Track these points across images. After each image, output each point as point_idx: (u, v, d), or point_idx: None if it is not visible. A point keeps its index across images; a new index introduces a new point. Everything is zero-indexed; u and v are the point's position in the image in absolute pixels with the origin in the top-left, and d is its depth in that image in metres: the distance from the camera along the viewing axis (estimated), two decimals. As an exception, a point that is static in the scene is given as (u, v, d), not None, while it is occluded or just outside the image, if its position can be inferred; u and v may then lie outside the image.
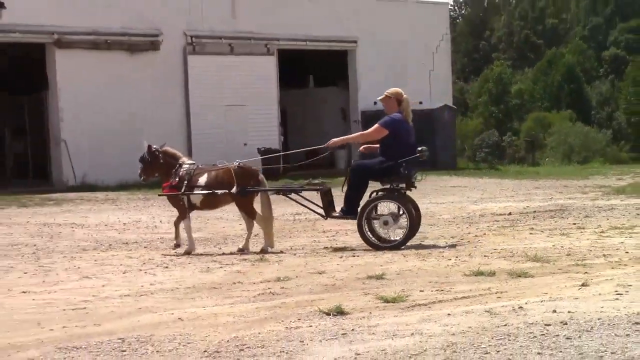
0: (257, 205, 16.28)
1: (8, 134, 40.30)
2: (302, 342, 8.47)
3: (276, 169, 37.85)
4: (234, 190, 15.92)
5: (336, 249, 15.79)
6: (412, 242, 15.90)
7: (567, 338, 8.12)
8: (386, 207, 15.86)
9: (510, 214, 21.12)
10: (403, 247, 15.42)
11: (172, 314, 10.27)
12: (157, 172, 16.68)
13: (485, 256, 14.07)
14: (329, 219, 16.60)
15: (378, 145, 16.14)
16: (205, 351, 8.28)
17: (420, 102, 42.49)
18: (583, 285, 10.91)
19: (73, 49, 35.57)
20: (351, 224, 16.64)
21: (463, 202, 25.49)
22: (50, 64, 35.52)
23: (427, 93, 44.02)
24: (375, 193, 16.12)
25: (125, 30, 36.65)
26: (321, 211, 16.38)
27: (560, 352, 7.64)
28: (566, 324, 8.69)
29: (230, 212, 21.34)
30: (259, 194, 16.33)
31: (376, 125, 16.20)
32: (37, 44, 35.56)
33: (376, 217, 15.84)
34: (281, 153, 17.96)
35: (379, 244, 15.60)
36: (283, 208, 24.88)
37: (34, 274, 13.97)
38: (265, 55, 40.33)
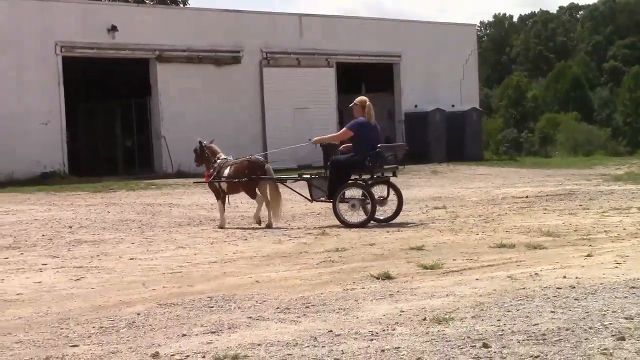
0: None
1: (119, 131, 40.59)
2: (357, 301, 8.43)
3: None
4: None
5: (384, 225, 15.71)
6: (401, 219, 15.86)
7: (575, 299, 8.01)
8: (356, 193, 15.93)
9: (527, 197, 20.94)
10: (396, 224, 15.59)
11: (251, 277, 10.27)
12: (203, 163, 17.40)
13: (506, 231, 13.95)
14: (314, 202, 16.80)
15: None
16: (277, 308, 8.26)
17: (453, 105, 42.36)
18: (588, 255, 10.78)
19: (171, 62, 35.76)
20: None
21: (488, 187, 25.32)
22: (153, 74, 35.73)
23: (458, 98, 43.80)
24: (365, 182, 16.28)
25: (213, 47, 36.75)
26: (308, 196, 16.69)
27: (570, 310, 7.53)
28: (574, 287, 8.58)
29: (296, 195, 21.35)
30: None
31: (344, 128, 16.55)
32: (142, 58, 35.77)
33: (346, 200, 15.90)
34: (269, 151, 18.36)
35: (348, 222, 15.65)
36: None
37: (139, 244, 14.05)
38: (326, 67, 40.27)
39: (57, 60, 33.08)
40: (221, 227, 16.17)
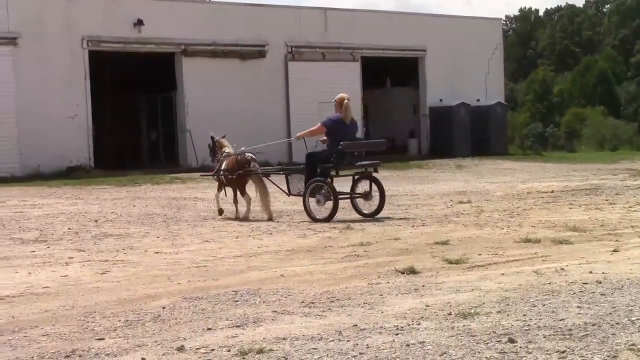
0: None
1: (144, 126, 40.73)
2: (382, 295, 8.42)
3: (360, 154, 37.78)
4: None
5: (408, 220, 15.69)
6: (425, 213, 15.78)
7: (602, 294, 7.97)
8: (322, 189, 16.05)
9: (552, 191, 20.85)
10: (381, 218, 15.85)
11: (276, 271, 10.27)
12: (215, 156, 18.06)
13: (532, 226, 13.90)
14: (291, 196, 17.05)
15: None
16: (302, 302, 8.26)
17: (478, 100, 42.22)
18: (614, 251, 10.73)
19: (196, 56, 35.83)
20: (422, 200, 16.52)
21: (513, 182, 25.23)
22: (178, 69, 35.82)
23: (483, 92, 43.66)
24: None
25: (238, 41, 36.79)
26: (286, 190, 16.98)
27: (596, 306, 7.50)
28: (601, 282, 8.54)
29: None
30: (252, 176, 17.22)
31: (319, 124, 16.77)
32: (167, 52, 35.86)
33: (314, 196, 16.09)
34: (265, 144, 18.81)
35: (315, 217, 15.90)
36: (365, 185, 24.83)
37: (165, 238, 14.10)
38: (351, 61, 40.21)
39: (83, 54, 33.23)
40: (219, 213, 17.12)
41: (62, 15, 32.78)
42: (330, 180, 16.14)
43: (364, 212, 16.34)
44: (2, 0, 31.67)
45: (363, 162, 16.65)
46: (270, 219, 16.41)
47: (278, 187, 17.38)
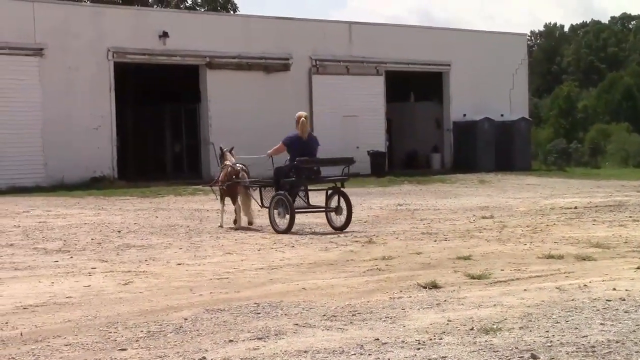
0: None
1: (168, 137, 40.88)
2: (404, 309, 8.41)
3: (382, 168, 37.83)
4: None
5: (431, 234, 15.66)
6: (447, 228, 15.72)
7: (625, 311, 7.92)
8: (283, 203, 16.63)
9: (576, 207, 20.75)
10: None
11: (297, 284, 10.27)
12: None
13: (555, 242, 13.84)
14: (262, 207, 17.61)
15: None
16: (324, 315, 8.26)
17: (502, 115, 42.13)
18: (638, 268, 10.65)
19: (221, 69, 35.94)
20: (445, 215, 16.47)
21: (536, 197, 25.13)
22: (203, 81, 35.95)
23: (507, 107, 43.56)
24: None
25: (263, 54, 36.89)
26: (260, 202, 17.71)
27: (620, 323, 7.46)
28: (624, 300, 8.49)
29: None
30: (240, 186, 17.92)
31: (280, 142, 17.52)
32: (192, 65, 36.01)
33: (276, 208, 16.70)
34: (249, 157, 19.41)
35: (276, 229, 16.58)
36: (388, 199, 24.86)
37: (187, 250, 14.13)
38: (375, 75, 40.23)
39: (108, 66, 33.41)
40: (221, 226, 17.59)
41: (88, 26, 32.97)
42: (294, 193, 16.85)
43: (336, 225, 16.83)
44: (29, 11, 31.93)
45: (331, 177, 17.45)
46: (250, 222, 17.58)
47: (255, 199, 17.91)
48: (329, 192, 17.10)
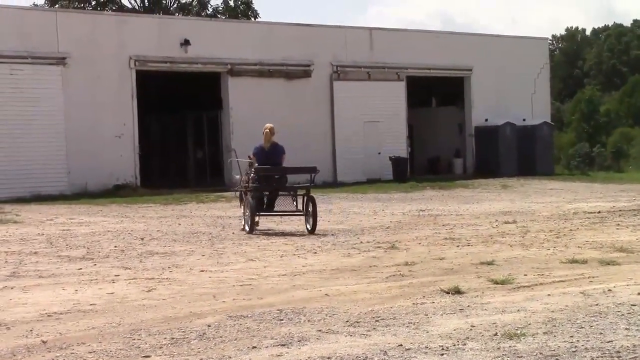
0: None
1: (190, 144, 41.00)
2: (427, 315, 8.38)
3: (404, 173, 37.79)
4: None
5: (454, 239, 15.61)
6: (470, 233, 15.67)
7: (650, 316, 7.87)
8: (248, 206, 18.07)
9: (599, 212, 20.64)
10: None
11: (320, 290, 10.26)
12: None
13: (578, 247, 13.77)
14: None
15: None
16: (347, 321, 8.24)
17: (524, 120, 42.01)
18: (663, 272, 10.59)
19: (242, 76, 36.03)
20: (467, 220, 16.41)
21: (559, 202, 25.02)
22: (224, 88, 36.04)
23: (529, 112, 43.48)
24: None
25: (284, 61, 36.96)
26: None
27: (645, 328, 7.40)
28: (649, 304, 8.43)
29: (366, 208, 21.36)
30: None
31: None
32: (214, 72, 36.11)
33: (245, 211, 18.25)
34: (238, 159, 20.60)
35: (244, 228, 17.97)
36: (410, 205, 24.81)
37: (210, 257, 14.15)
38: (396, 81, 40.21)
39: (131, 74, 33.56)
40: (243, 229, 18.15)
41: (111, 35, 33.12)
42: (257, 198, 18.16)
43: (308, 227, 17.81)
44: (52, 21, 32.13)
45: (299, 185, 19.01)
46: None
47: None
48: (305, 198, 18.12)
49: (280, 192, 18.74)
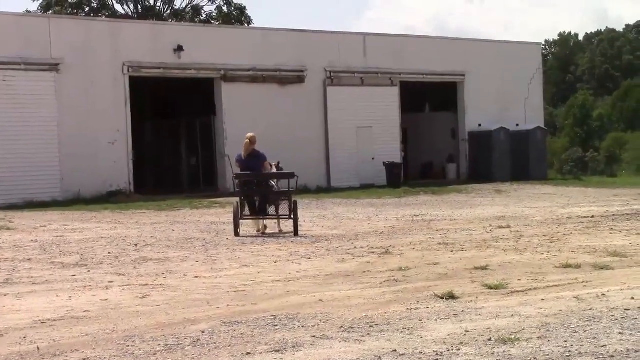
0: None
1: (184, 150, 40.96)
2: (421, 320, 8.38)
3: (398, 178, 37.80)
4: None
5: (448, 245, 15.62)
6: (464, 238, 15.69)
7: (644, 321, 7.88)
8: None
9: (592, 216, 20.68)
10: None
11: (314, 296, 10.26)
12: None
13: (572, 252, 13.79)
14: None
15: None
16: (341, 327, 8.24)
17: (517, 125, 42.06)
18: (656, 276, 10.61)
19: (236, 82, 36.01)
20: (461, 225, 16.41)
21: (553, 207, 25.05)
22: (218, 94, 36.00)
23: (522, 117, 43.53)
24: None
25: (277, 67, 36.95)
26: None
27: (639, 332, 7.41)
28: (643, 309, 8.45)
29: (360, 214, 21.36)
30: None
31: None
32: (207, 78, 36.09)
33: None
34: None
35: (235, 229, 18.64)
36: (404, 210, 24.81)
37: (204, 263, 14.14)
38: (389, 86, 40.23)
39: (124, 80, 33.52)
40: (259, 230, 19.11)
41: (104, 41, 33.10)
42: (243, 202, 19.09)
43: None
44: (45, 27, 32.10)
45: (280, 190, 19.74)
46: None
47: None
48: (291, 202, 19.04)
49: (273, 198, 19.48)
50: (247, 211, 19.15)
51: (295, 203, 18.78)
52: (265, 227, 19.06)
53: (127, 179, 33.35)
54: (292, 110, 36.95)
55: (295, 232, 18.36)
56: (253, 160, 19.57)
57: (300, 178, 20.04)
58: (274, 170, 19.90)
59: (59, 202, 29.96)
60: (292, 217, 18.60)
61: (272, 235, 18.68)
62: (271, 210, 19.55)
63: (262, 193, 19.39)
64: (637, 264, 12.05)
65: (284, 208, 19.51)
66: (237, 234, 18.33)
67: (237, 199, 19.15)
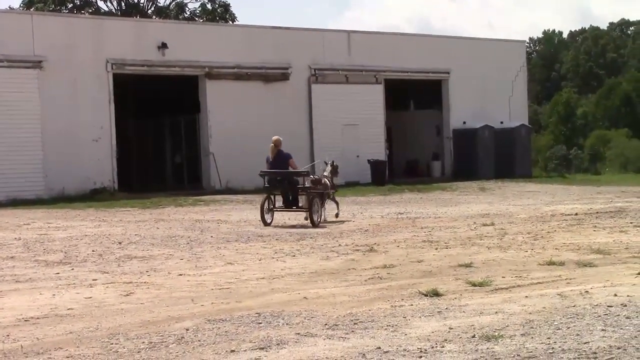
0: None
1: (168, 148, 40.90)
2: (405, 317, 8.41)
3: (383, 176, 37.86)
4: None
5: (432, 242, 15.66)
6: (449, 236, 15.71)
7: (627, 317, 7.93)
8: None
9: (576, 214, 20.75)
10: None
11: (299, 293, 10.28)
12: None
13: (556, 249, 13.84)
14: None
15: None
16: (326, 324, 8.26)
17: (502, 122, 42.15)
18: (639, 273, 10.65)
19: (220, 79, 35.98)
20: (445, 222, 16.43)
21: (537, 204, 25.13)
22: (202, 91, 35.98)
23: (506, 115, 43.62)
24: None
25: (262, 64, 36.93)
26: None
27: (621, 329, 7.46)
28: (625, 305, 8.49)
29: (344, 211, 21.40)
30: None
31: None
32: (191, 75, 36.04)
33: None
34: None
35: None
36: (389, 208, 24.84)
37: (188, 260, 14.13)
38: (374, 84, 40.28)
39: (108, 77, 33.45)
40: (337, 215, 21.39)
41: (87, 38, 33.02)
42: (268, 196, 20.83)
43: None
44: (27, 24, 31.99)
45: (301, 187, 21.32)
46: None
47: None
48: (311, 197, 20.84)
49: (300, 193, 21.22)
50: (267, 205, 20.62)
51: (313, 198, 20.51)
52: (308, 218, 20.54)
53: (111, 176, 33.28)
54: (277, 108, 36.95)
55: (313, 224, 19.95)
56: (279, 160, 21.30)
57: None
58: (328, 168, 22.42)
59: (42, 200, 29.90)
60: (308, 210, 20.34)
61: (295, 226, 19.98)
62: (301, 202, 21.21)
63: (284, 188, 21.09)
64: (620, 261, 12.11)
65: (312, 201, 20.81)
66: (265, 223, 20.14)
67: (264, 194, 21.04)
